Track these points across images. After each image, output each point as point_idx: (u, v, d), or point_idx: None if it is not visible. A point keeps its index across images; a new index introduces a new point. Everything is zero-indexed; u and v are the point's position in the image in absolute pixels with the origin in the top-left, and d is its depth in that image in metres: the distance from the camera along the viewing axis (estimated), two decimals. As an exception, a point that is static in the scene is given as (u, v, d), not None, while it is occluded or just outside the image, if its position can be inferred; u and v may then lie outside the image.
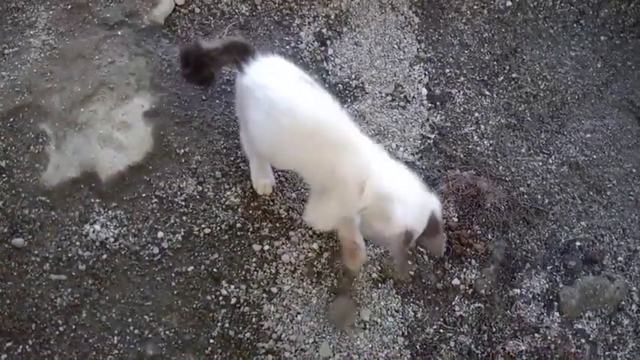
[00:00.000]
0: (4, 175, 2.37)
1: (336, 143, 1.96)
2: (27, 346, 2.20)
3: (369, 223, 2.11)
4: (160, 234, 2.35)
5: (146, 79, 2.54)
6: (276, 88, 1.96)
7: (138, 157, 2.43)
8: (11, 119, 2.44)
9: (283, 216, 2.43)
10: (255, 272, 2.35)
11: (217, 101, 2.56)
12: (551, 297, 2.36)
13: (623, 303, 2.36)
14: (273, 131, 2.00)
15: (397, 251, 2.05)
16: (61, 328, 2.22)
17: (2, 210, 2.33)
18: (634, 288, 2.38)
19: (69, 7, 2.58)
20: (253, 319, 2.29)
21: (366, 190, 2.01)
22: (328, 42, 2.69)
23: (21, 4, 2.58)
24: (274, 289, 2.34)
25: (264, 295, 2.32)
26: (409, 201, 1.99)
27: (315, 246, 2.41)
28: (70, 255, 2.30)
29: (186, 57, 2.13)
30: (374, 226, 2.07)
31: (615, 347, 2.31)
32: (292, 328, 2.30)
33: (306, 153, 1.99)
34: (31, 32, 2.54)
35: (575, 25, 2.78)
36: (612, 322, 2.34)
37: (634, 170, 2.58)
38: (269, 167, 2.39)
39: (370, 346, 2.31)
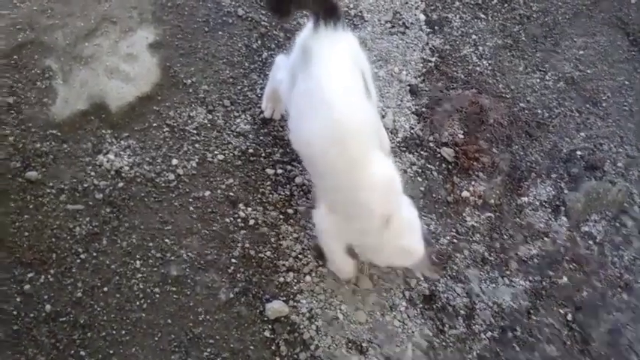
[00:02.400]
0: (12, 112, 2.31)
1: (359, 159, 1.85)
2: (49, 276, 2.15)
3: (382, 254, 2.04)
4: (175, 161, 2.31)
5: (148, 12, 2.49)
6: (329, 75, 1.84)
7: (146, 87, 2.39)
8: (15, 56, 2.36)
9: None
10: (271, 195, 2.34)
11: (220, 32, 2.52)
12: (557, 203, 2.40)
13: (625, 205, 2.41)
14: (307, 111, 1.88)
15: (423, 269, 2.05)
16: (82, 256, 2.18)
17: (14, 145, 2.27)
18: (635, 191, 2.43)
19: (66, -55, 2.50)
20: (272, 239, 2.28)
21: (394, 224, 1.91)
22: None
23: (16, -60, 2.50)
24: (290, 211, 2.33)
25: (281, 216, 2.31)
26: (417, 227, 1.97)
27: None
28: (85, 185, 2.25)
29: None
30: (391, 260, 2.05)
31: (622, 247, 2.36)
32: (311, 247, 2.30)
33: (327, 157, 1.86)
34: (29, -29, 2.46)
35: (562, -50, 2.82)
36: (617, 224, 2.39)
37: (626, 82, 2.63)
38: (280, 106, 2.33)
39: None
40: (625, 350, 2.22)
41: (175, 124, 2.34)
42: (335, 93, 1.82)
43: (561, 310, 2.25)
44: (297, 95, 1.93)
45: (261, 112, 2.37)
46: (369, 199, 1.85)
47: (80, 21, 2.41)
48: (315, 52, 1.87)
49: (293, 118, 1.98)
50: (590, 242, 2.34)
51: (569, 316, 2.24)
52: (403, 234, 1.93)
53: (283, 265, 2.24)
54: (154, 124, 2.34)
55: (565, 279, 2.28)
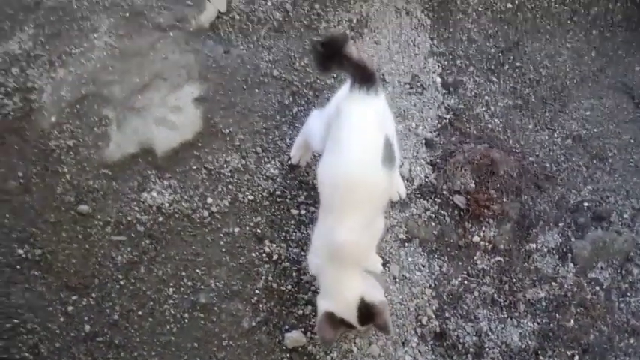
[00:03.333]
0: (71, 153, 2.61)
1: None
2: (90, 299, 2.37)
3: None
4: (209, 200, 2.55)
5: (195, 71, 2.81)
6: (349, 138, 2.05)
7: (189, 135, 2.67)
8: (77, 106, 2.70)
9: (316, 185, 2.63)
10: (294, 233, 2.53)
11: (256, 90, 2.81)
12: (564, 249, 2.51)
13: (631, 254, 2.50)
14: (329, 156, 2.11)
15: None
16: (121, 282, 2.39)
17: (70, 182, 2.55)
18: (640, 241, 2.54)
19: (127, 14, 2.88)
20: (293, 274, 2.46)
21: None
22: (352, 41, 2.97)
23: (86, 13, 2.89)
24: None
25: (302, 252, 2.49)
26: None
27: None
28: (129, 219, 2.50)
29: (330, 43, 2.16)
30: None
31: (628, 294, 2.43)
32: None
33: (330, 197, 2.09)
34: (95, 35, 2.83)
35: (569, 21, 3.05)
36: (623, 272, 2.47)
37: (632, 141, 2.78)
38: (308, 155, 2.58)
39: (401, 297, 2.46)
40: (632, 394, 2.25)
41: (212, 168, 2.60)
42: (350, 155, 2.03)
43: (568, 352, 2.31)
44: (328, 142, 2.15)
45: (289, 159, 2.61)
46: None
47: (136, 77, 2.74)
48: (345, 112, 2.08)
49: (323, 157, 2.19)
50: (597, 288, 2.42)
51: (577, 358, 2.30)
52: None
53: (302, 298, 2.40)
54: (194, 167, 2.60)
55: (572, 322, 2.36)
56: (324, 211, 2.13)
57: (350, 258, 2.06)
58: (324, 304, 2.06)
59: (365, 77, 2.08)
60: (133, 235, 2.45)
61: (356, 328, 2.07)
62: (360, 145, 2.03)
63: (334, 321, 2.03)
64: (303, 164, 2.61)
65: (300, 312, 2.37)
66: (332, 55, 2.12)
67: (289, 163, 2.62)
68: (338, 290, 2.05)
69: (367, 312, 2.01)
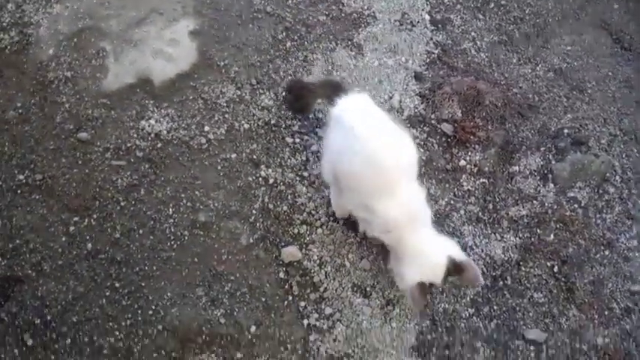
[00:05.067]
0: (69, 84, 2.66)
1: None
2: (92, 220, 2.44)
3: None
4: (207, 128, 2.63)
5: (190, 6, 2.87)
6: (358, 124, 2.08)
7: (185, 67, 2.73)
8: (75, 39, 2.74)
9: (311, 116, 2.72)
10: (289, 159, 2.62)
11: (250, 25, 2.88)
12: (545, 171, 2.64)
13: (608, 175, 2.63)
14: (348, 158, 2.09)
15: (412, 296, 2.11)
16: (122, 204, 2.47)
17: (69, 111, 2.61)
18: (616, 163, 2.65)
19: (122, -50, 2.93)
20: (289, 196, 2.55)
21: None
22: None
23: (80, -50, 2.93)
24: (305, 174, 2.60)
25: (297, 177, 2.58)
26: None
27: (339, 139, 2.69)
28: (128, 145, 2.57)
29: (290, 88, 2.54)
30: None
31: (604, 211, 2.57)
32: (323, 205, 2.56)
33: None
34: (91, -29, 2.88)
35: (551, -37, 3.16)
36: (600, 191, 2.60)
37: (610, 74, 2.89)
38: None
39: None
40: (607, 299, 2.39)
41: (209, 98, 2.67)
42: (366, 138, 2.06)
43: (548, 263, 2.44)
44: (335, 147, 2.20)
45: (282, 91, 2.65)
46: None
47: (132, 11, 2.79)
48: (339, 113, 2.18)
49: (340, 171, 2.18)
50: (576, 206, 2.55)
51: (556, 269, 2.43)
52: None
53: (298, 218, 2.50)
54: (191, 97, 2.67)
55: (552, 237, 2.49)
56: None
57: (424, 220, 2.10)
58: (412, 276, 2.01)
59: (336, 88, 2.28)
60: (132, 160, 2.52)
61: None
62: (376, 126, 2.14)
63: (424, 288, 2.00)
64: (345, 215, 2.47)
65: (296, 231, 2.46)
66: (299, 94, 2.40)
67: (283, 94, 2.67)
68: (425, 257, 2.03)
69: (455, 270, 2.01)
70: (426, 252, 2.04)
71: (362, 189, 2.07)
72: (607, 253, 2.45)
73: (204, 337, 2.24)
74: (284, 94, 2.43)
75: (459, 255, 2.03)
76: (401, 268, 2.10)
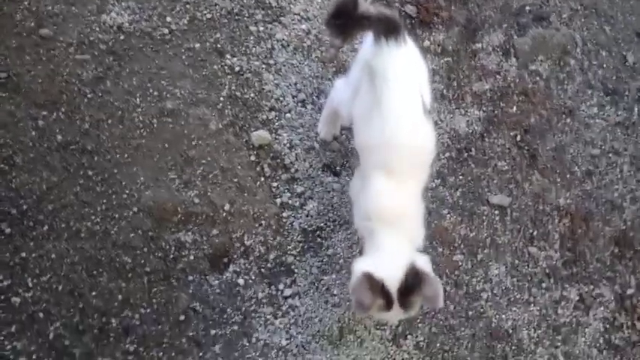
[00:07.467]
0: (26, -19, 2.60)
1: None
2: (60, 113, 2.43)
3: None
4: (168, 19, 2.59)
5: None
6: (392, 92, 1.88)
7: (142, -42, 2.68)
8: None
9: (274, 5, 2.69)
10: (254, 48, 2.60)
11: None
12: (507, 47, 2.66)
13: (569, 47, 2.66)
14: (366, 122, 1.95)
15: None
16: (89, 96, 2.45)
17: (28, 9, 2.54)
18: (577, 36, 2.68)
19: None
20: (256, 84, 2.55)
21: None
22: None
23: None
24: (271, 62, 2.60)
25: (264, 65, 2.58)
26: None
27: (303, 26, 2.68)
28: (91, 39, 2.53)
29: (340, 9, 1.94)
30: None
31: (565, 82, 2.61)
32: (290, 93, 2.57)
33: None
34: None
35: None
36: (561, 63, 2.64)
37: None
38: (338, 124, 2.41)
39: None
40: (568, 164, 2.47)
41: (169, -12, 2.63)
42: (398, 113, 1.88)
43: (511, 133, 2.50)
44: (359, 107, 1.99)
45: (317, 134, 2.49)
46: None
47: None
48: (380, 71, 1.89)
49: (356, 125, 2.04)
50: (537, 78, 2.59)
51: (519, 138, 2.49)
52: None
53: (266, 105, 2.51)
54: (151, -11, 2.62)
55: (515, 108, 2.54)
56: (371, 175, 1.93)
57: (403, 223, 1.92)
58: (362, 265, 1.83)
59: (390, 29, 1.88)
60: (96, 53, 2.49)
61: (391, 306, 1.80)
62: (405, 102, 1.89)
63: (373, 285, 1.77)
64: (329, 139, 2.47)
65: (265, 117, 2.48)
66: (348, 22, 1.92)
67: (319, 138, 2.48)
68: (387, 252, 1.86)
69: (414, 281, 1.78)
70: (389, 250, 1.88)
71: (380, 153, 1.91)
72: (568, 120, 2.52)
73: (179, 216, 2.29)
74: (331, 11, 1.97)
75: (426, 267, 1.83)
76: (358, 259, 1.94)
